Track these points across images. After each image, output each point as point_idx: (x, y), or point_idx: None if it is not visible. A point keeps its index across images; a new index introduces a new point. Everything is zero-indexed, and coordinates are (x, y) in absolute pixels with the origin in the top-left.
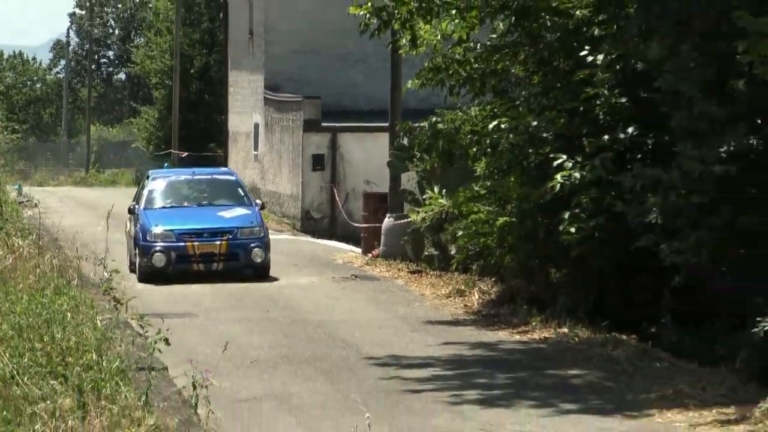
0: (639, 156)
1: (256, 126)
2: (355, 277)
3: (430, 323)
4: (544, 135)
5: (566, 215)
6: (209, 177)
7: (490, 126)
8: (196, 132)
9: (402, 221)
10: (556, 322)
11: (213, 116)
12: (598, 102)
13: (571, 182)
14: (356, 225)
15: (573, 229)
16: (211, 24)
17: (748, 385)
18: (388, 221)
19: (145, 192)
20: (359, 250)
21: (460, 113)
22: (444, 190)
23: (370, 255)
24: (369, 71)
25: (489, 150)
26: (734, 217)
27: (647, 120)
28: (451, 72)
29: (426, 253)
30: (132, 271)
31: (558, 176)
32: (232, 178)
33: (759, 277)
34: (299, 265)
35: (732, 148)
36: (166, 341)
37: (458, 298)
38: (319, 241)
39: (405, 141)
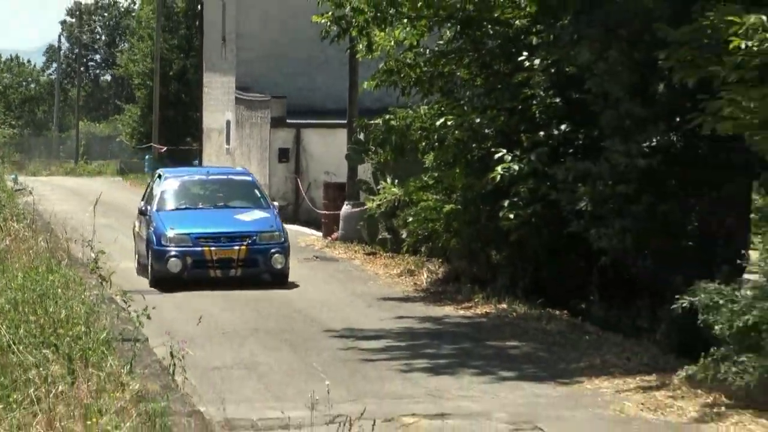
0: (571, 150)
1: (228, 123)
2: (317, 258)
3: (384, 299)
4: (486, 131)
5: (506, 203)
6: (225, 177)
7: (438, 123)
8: (175, 128)
9: (358, 208)
10: (496, 299)
11: (189, 114)
12: (534, 102)
13: (510, 174)
14: (317, 211)
15: (512, 216)
16: (188, 31)
17: (668, 355)
18: (346, 208)
19: (158, 193)
20: (320, 233)
21: (410, 111)
22: (396, 181)
23: (329, 238)
24: (330, 73)
25: (436, 144)
26: (655, 206)
27: (578, 118)
28: (402, 74)
29: (380, 237)
30: (140, 274)
31: (498, 168)
32: (249, 178)
33: (676, 260)
34: None
35: (654, 144)
36: (148, 316)
37: (409, 277)
38: (285, 225)
39: (361, 136)
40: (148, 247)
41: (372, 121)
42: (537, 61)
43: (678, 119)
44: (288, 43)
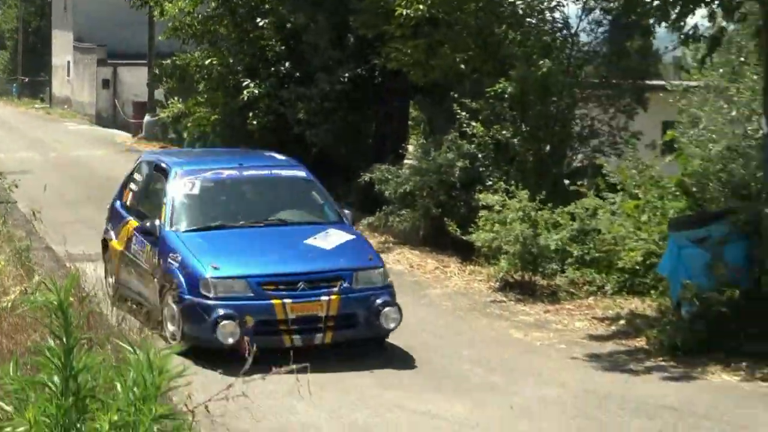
0: (293, 80)
1: (69, 62)
2: (128, 150)
3: None
4: (238, 68)
5: (251, 114)
6: (267, 173)
7: (206, 62)
8: (33, 67)
9: (155, 117)
10: None
11: (43, 56)
12: (267, 49)
13: (253, 95)
14: (129, 120)
15: (255, 122)
16: (42, 1)
17: (357, 212)
18: (147, 118)
19: (169, 199)
20: (130, 134)
21: (189, 55)
22: (180, 99)
23: (136, 137)
24: (138, 29)
25: (206, 76)
26: (347, 116)
27: (297, 59)
28: (184, 31)
29: (169, 136)
30: (139, 316)
31: (245, 92)
32: (302, 173)
33: (362, 150)
34: (95, 143)
35: (347, 76)
36: (16, 186)
37: None
38: (107, 129)
39: (157, 71)
40: (164, 294)
41: (164, 61)
42: (268, 22)
43: (363, 60)
44: (109, 9)
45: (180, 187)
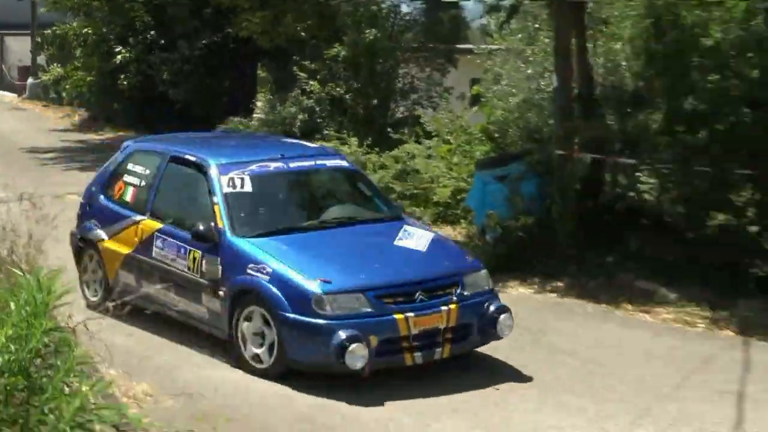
0: (158, 46)
1: None
2: (14, 108)
3: (54, 131)
4: (110, 36)
5: (122, 76)
6: (313, 165)
7: (84, 31)
8: None
9: (38, 80)
10: (117, 128)
11: None
12: (136, 19)
13: (124, 60)
14: (15, 82)
15: (126, 83)
16: None
17: None
18: (30, 80)
19: (220, 199)
20: (16, 95)
21: (68, 25)
22: (59, 64)
23: (21, 98)
24: (24, 2)
25: (83, 44)
26: (204, 79)
27: (163, 29)
28: (63, 3)
29: (51, 96)
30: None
31: (117, 57)
32: (345, 163)
33: (218, 107)
34: None
35: (205, 42)
36: None
37: (67, 118)
38: None
39: (39, 39)
40: (240, 311)
41: (46, 31)
42: None
43: (219, 29)
44: None
45: (229, 184)
